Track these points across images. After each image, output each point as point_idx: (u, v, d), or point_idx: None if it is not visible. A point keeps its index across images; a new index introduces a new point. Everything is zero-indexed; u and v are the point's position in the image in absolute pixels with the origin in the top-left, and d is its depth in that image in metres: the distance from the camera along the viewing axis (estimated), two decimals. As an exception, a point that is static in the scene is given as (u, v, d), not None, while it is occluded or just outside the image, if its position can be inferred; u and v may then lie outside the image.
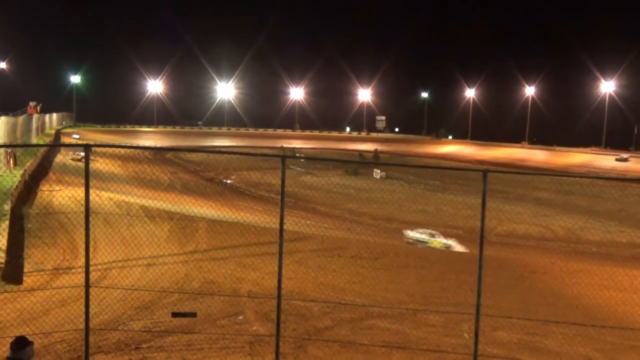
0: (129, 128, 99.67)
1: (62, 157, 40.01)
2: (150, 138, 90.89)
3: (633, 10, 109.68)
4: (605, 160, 76.21)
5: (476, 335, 7.08)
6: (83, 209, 7.75)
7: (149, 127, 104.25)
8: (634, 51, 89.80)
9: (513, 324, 11.17)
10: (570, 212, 36.24)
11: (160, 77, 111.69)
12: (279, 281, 7.16)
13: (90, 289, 7.75)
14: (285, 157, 7.66)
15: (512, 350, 9.88)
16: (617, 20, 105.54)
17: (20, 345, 5.14)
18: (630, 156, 77.08)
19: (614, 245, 27.11)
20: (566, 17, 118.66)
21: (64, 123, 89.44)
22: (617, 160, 76.44)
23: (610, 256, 24.17)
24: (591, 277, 16.31)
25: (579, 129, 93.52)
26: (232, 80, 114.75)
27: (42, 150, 38.25)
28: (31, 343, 5.22)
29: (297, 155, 68.62)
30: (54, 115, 78.52)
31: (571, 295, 14.59)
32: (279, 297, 7.25)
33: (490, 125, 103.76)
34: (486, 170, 7.02)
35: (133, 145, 36.00)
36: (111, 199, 25.27)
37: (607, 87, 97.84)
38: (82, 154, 38.72)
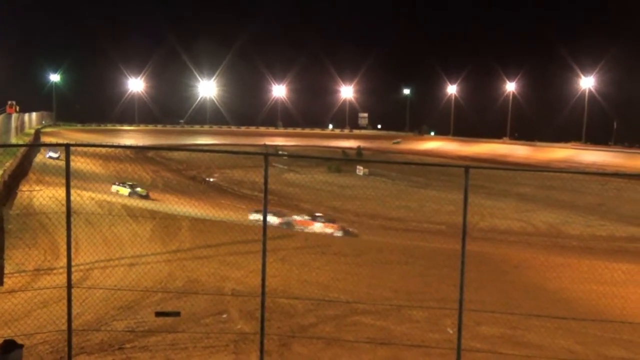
0: (109, 127, 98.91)
1: (42, 157, 39.56)
2: (131, 137, 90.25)
3: (612, 7, 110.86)
4: (587, 155, 77.11)
5: (459, 329, 7.13)
6: (64, 209, 7.68)
7: (130, 126, 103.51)
8: (613, 47, 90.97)
9: (496, 319, 11.27)
10: (552, 206, 36.60)
11: (141, 75, 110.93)
12: (263, 279, 7.15)
13: (73, 290, 7.67)
14: (268, 154, 7.64)
15: (495, 345, 9.96)
16: (597, 17, 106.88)
17: (8, 348, 5.08)
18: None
19: (594, 239, 27.44)
20: (547, 14, 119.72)
21: (43, 122, 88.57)
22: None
23: (591, 250, 24.45)
24: (572, 270, 16.52)
25: (560, 124, 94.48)
26: (214, 77, 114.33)
27: (22, 150, 37.81)
28: (20, 346, 5.14)
29: (280, 152, 68.55)
30: (34, 114, 77.72)
31: (553, 289, 14.75)
32: (263, 294, 7.24)
33: (472, 121, 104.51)
34: (468, 166, 7.06)
35: (115, 144, 36.06)
36: (93, 198, 25.06)
37: (587, 82, 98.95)
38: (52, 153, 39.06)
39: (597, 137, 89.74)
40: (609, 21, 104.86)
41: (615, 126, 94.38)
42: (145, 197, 32.39)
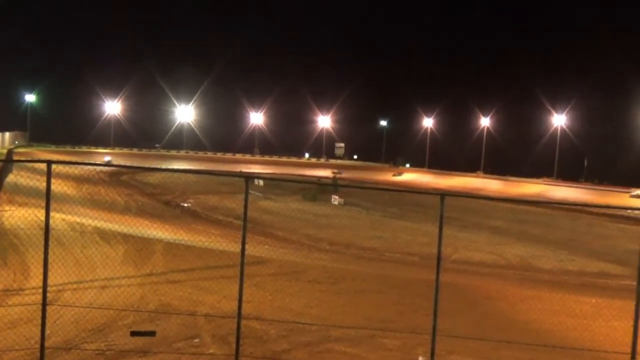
0: (84, 149, 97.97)
1: (14, 177, 38.97)
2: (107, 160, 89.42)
3: (584, 45, 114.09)
4: (558, 191, 78.35)
5: (432, 354, 7.21)
6: (35, 230, 7.67)
7: (105, 149, 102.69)
8: (585, 85, 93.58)
9: (467, 348, 11.35)
10: (524, 240, 36.98)
11: (118, 98, 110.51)
12: (240, 300, 7.17)
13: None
14: (249, 177, 7.73)
15: (466, 374, 10.04)
16: (570, 55, 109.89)
17: None
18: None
19: (564, 274, 27.73)
20: (521, 51, 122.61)
21: (16, 142, 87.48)
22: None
23: (561, 284, 24.70)
24: (543, 303, 16.71)
25: (533, 160, 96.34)
26: (191, 103, 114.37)
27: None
28: None
29: (257, 177, 68.57)
30: (7, 134, 76.78)
31: (524, 321, 14.90)
32: (239, 315, 7.25)
33: (447, 155, 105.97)
34: (443, 193, 7.22)
35: (96, 162, 35.64)
36: (64, 220, 24.69)
37: (559, 120, 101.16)
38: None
39: (569, 173, 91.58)
40: (583, 59, 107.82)
41: (585, 163, 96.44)
42: None
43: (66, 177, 43.80)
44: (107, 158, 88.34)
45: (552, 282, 25.17)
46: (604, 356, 11.22)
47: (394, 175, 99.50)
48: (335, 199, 51.20)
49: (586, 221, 50.46)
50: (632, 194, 70.23)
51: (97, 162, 68.10)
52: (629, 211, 53.03)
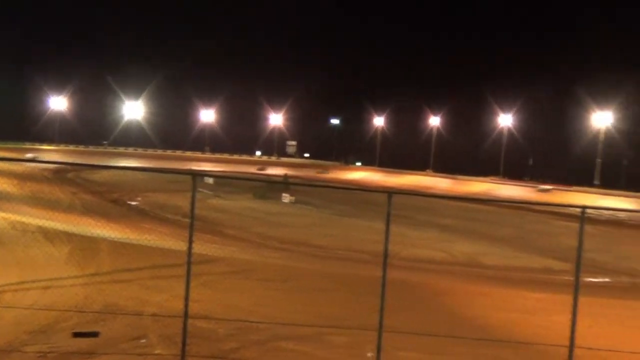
0: (28, 146, 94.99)
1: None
2: (50, 157, 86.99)
3: (531, 48, 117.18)
4: (504, 190, 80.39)
5: (378, 350, 7.27)
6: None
7: (49, 146, 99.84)
8: (530, 86, 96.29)
9: (416, 344, 11.50)
10: (472, 238, 37.70)
11: (64, 94, 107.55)
12: (186, 299, 7.07)
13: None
14: (196, 174, 7.63)
15: (414, 369, 10.17)
16: (516, 57, 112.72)
17: None
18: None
19: (510, 270, 28.41)
20: (471, 51, 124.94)
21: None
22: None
23: (507, 280, 25.29)
24: (489, 299, 17.11)
25: (481, 159, 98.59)
26: (140, 99, 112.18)
27: None
28: None
29: (206, 175, 67.88)
30: (-56, 130, 73.80)
31: (471, 316, 15.19)
32: (185, 314, 7.15)
33: (398, 154, 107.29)
34: (391, 192, 7.28)
35: (37, 159, 34.53)
36: (5, 219, 23.91)
37: (505, 120, 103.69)
38: None
39: (515, 172, 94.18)
40: (533, 60, 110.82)
41: (531, 162, 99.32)
42: None
43: (9, 174, 42.44)
44: (29, 154, 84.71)
45: (498, 278, 25.75)
46: (545, 349, 11.55)
47: (318, 172, 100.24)
48: (286, 197, 51.10)
49: (532, 219, 51.86)
50: (538, 188, 76.78)
51: (44, 160, 66.14)
52: (571, 209, 54.72)
